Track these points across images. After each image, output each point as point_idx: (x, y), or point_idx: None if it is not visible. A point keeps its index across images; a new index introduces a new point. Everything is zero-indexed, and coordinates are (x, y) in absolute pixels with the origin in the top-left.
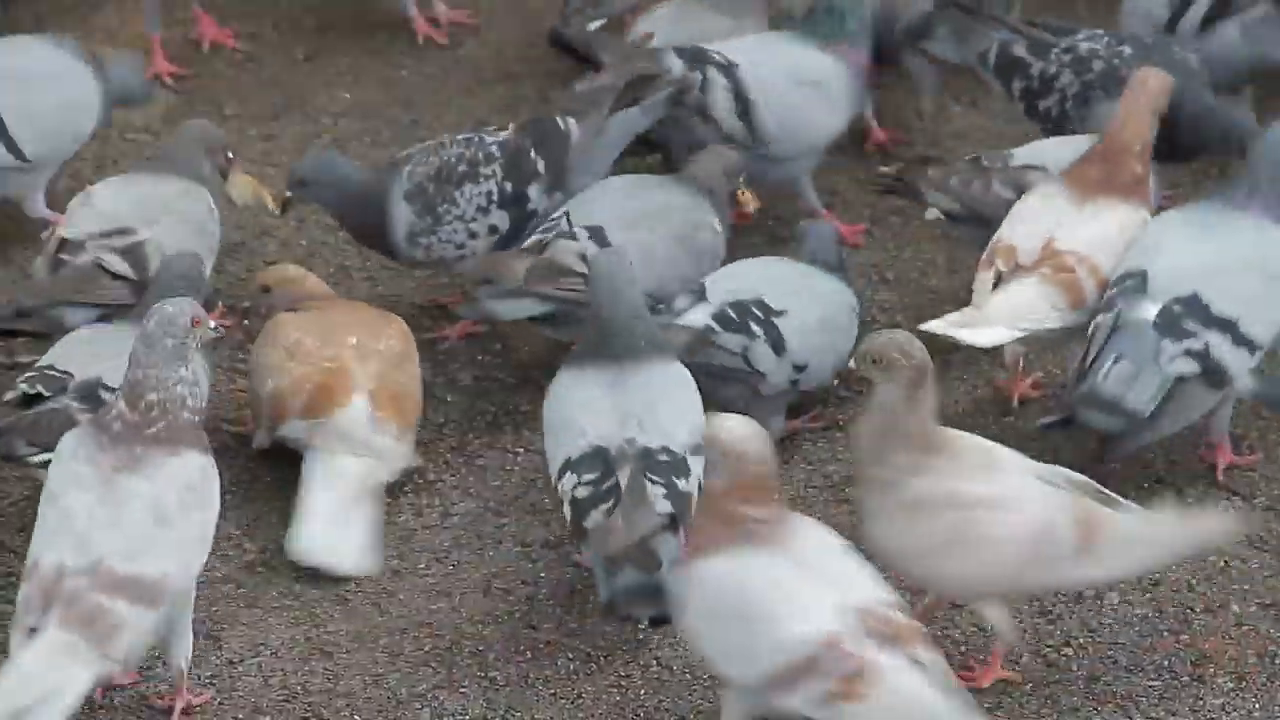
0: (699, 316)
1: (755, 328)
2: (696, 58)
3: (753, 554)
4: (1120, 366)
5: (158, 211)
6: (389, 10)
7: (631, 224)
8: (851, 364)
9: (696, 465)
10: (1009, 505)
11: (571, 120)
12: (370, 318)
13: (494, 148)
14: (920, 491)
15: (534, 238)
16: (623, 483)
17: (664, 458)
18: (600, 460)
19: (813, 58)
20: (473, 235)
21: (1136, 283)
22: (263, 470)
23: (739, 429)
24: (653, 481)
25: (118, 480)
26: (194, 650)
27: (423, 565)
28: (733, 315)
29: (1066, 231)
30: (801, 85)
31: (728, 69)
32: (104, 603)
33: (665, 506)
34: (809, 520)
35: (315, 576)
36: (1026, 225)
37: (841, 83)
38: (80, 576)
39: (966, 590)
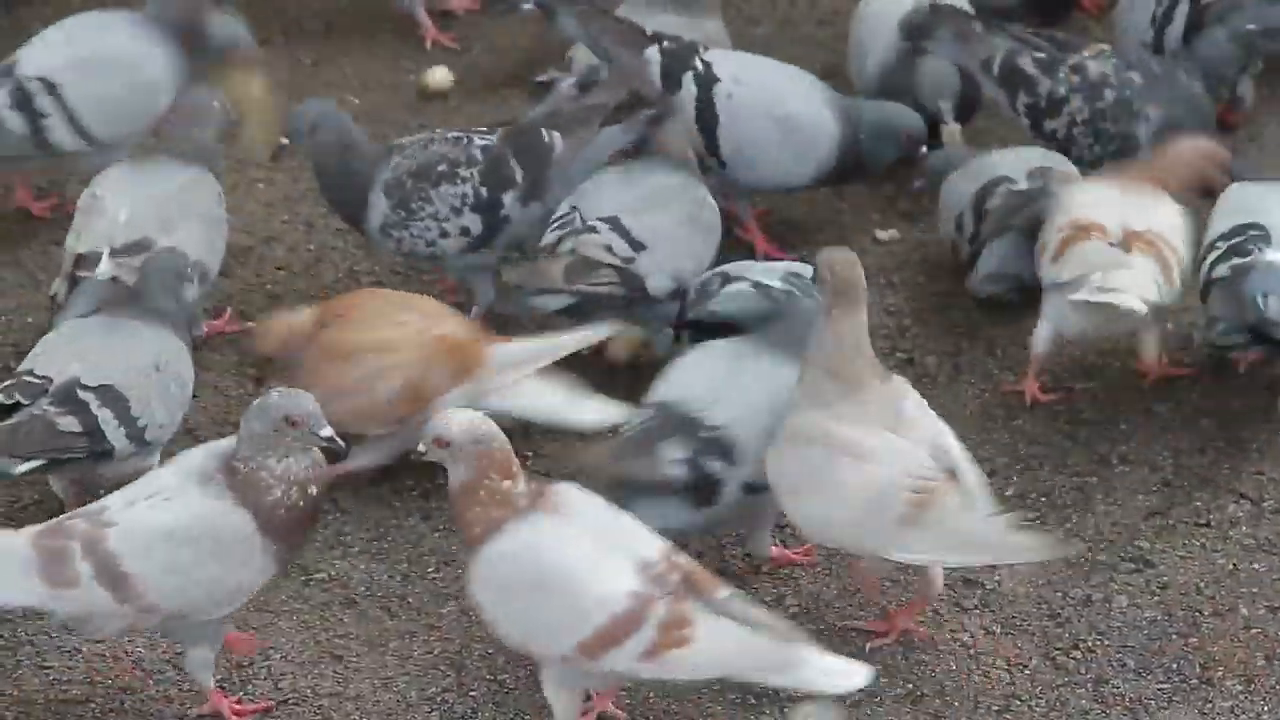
0: (743, 287)
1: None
2: (679, 58)
3: (537, 525)
4: (1275, 299)
5: (171, 213)
6: (396, 15)
7: (640, 210)
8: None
9: (747, 458)
10: (864, 455)
11: (556, 134)
12: (382, 301)
13: (478, 151)
14: (802, 424)
15: (550, 237)
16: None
17: (705, 433)
18: (650, 412)
19: (810, 101)
20: (444, 234)
21: (1260, 233)
22: None
23: (467, 418)
24: (666, 440)
25: (184, 484)
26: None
27: (432, 568)
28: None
29: (1135, 216)
30: (777, 122)
31: (706, 81)
32: (74, 553)
33: (676, 470)
34: (571, 485)
35: (324, 579)
36: (1100, 209)
37: (825, 136)
38: (85, 521)
39: (816, 531)
